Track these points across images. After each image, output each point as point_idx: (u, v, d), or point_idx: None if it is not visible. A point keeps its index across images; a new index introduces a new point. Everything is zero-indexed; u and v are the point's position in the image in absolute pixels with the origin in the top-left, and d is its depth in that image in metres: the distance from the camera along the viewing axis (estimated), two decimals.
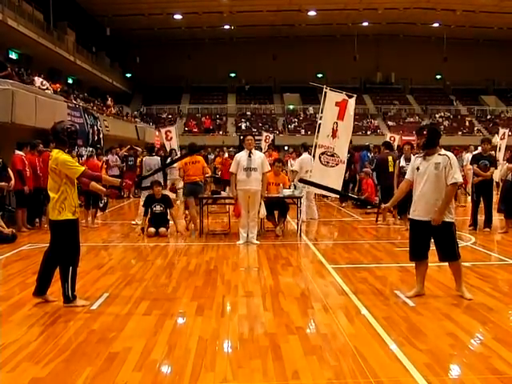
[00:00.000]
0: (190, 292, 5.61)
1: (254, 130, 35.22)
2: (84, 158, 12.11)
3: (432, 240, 5.38)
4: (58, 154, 4.93)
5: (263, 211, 8.87)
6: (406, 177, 5.55)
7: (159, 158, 11.65)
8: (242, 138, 8.90)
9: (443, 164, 5.12)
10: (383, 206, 5.57)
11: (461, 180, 5.22)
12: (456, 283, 5.43)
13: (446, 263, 7.04)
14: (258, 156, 8.61)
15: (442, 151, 5.26)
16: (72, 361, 3.74)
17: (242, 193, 8.49)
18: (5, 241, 8.52)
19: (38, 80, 16.39)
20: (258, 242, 8.57)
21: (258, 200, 8.56)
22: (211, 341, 4.12)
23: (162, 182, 11.21)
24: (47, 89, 15.56)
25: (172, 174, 14.19)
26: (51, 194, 4.97)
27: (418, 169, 5.28)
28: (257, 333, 4.31)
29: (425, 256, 5.39)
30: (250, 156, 8.49)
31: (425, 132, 5.25)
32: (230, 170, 8.74)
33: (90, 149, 12.75)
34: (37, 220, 10.57)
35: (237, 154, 8.88)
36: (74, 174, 4.93)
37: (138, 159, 18.20)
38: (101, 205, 10.93)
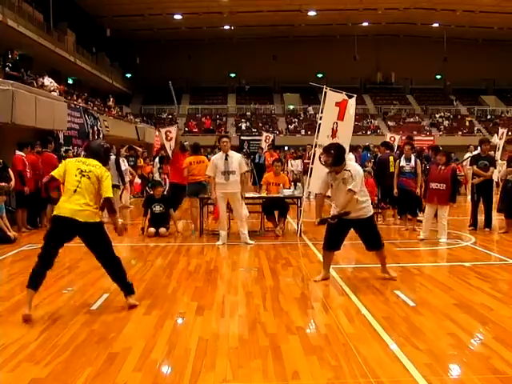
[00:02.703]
0: (190, 292, 5.62)
1: (254, 130, 35.26)
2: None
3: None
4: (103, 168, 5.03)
5: (246, 211, 8.92)
6: (319, 191, 6.08)
7: (114, 158, 11.63)
8: (219, 138, 8.91)
9: (348, 178, 5.65)
10: (316, 222, 5.85)
11: (356, 190, 5.65)
12: (382, 267, 6.06)
13: (445, 263, 7.08)
14: (234, 158, 8.55)
15: (348, 166, 5.76)
16: (72, 361, 3.74)
17: (221, 195, 8.48)
18: (5, 242, 8.53)
19: (47, 80, 16.47)
20: (253, 243, 8.56)
21: (239, 201, 8.56)
22: (211, 341, 4.12)
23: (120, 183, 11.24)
24: (53, 90, 15.54)
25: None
26: (86, 198, 4.80)
27: (331, 185, 5.84)
28: (257, 333, 4.30)
29: (338, 248, 6.03)
30: (226, 159, 8.44)
31: (332, 151, 5.68)
32: (207, 173, 8.67)
33: None
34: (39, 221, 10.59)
35: (213, 157, 8.82)
36: (109, 192, 4.89)
37: (139, 160, 18.27)
38: None
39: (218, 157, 8.61)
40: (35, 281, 4.76)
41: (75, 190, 4.81)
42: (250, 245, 8.46)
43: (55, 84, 16.77)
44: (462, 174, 17.24)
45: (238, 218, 8.58)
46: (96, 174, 4.89)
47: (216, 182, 8.44)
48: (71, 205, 4.79)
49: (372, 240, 5.93)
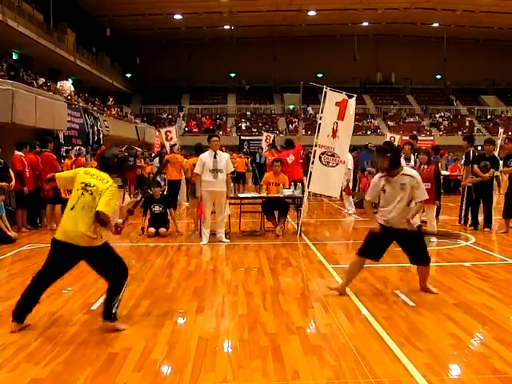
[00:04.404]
0: (190, 292, 5.61)
1: (254, 129, 35.26)
2: (72, 157, 12.03)
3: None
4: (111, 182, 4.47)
5: (228, 210, 9.14)
6: (368, 198, 5.59)
7: None
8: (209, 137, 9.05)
9: (410, 185, 5.21)
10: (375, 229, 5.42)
11: (426, 197, 5.40)
12: (421, 282, 5.55)
13: (445, 263, 7.07)
14: (223, 157, 8.68)
15: (407, 170, 5.34)
16: (72, 361, 3.74)
17: (208, 194, 8.52)
18: (5, 242, 8.53)
19: (62, 83, 16.63)
20: (228, 241, 8.66)
21: (225, 200, 8.69)
22: (211, 341, 4.12)
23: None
24: (68, 94, 15.64)
25: None
26: (84, 217, 4.31)
27: (384, 191, 5.32)
28: (257, 333, 4.30)
29: (377, 257, 5.42)
30: (215, 157, 8.52)
31: (389, 154, 5.25)
32: (195, 171, 8.71)
33: (77, 147, 12.61)
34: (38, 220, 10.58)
35: (201, 155, 8.86)
36: (111, 210, 4.34)
37: (138, 160, 18.26)
38: None
39: (206, 155, 8.66)
40: (21, 312, 4.35)
41: (73, 207, 4.35)
42: (225, 243, 8.56)
43: (70, 87, 16.96)
44: (461, 174, 17.24)
45: (220, 216, 8.66)
46: (99, 189, 4.34)
47: (203, 180, 8.50)
48: (68, 225, 4.35)
49: (418, 254, 5.38)
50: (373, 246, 5.36)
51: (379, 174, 5.43)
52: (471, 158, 9.88)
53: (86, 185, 4.37)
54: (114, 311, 4.43)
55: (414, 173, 5.39)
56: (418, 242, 5.40)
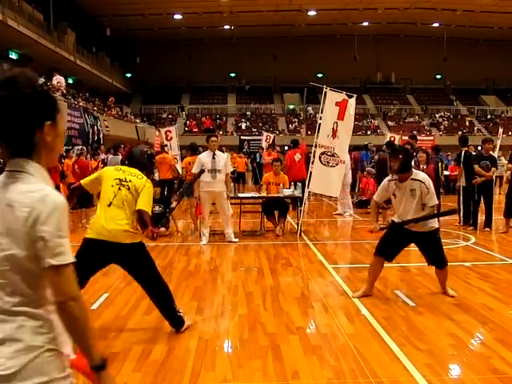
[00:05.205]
0: (190, 292, 5.61)
1: (254, 129, 35.25)
2: (74, 157, 12.03)
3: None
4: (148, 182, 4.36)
5: (230, 211, 9.17)
6: (375, 198, 5.54)
7: (120, 158, 11.91)
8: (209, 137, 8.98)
9: (419, 190, 5.07)
10: (375, 228, 5.40)
11: (436, 202, 5.24)
12: (441, 285, 5.44)
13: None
14: (221, 157, 8.66)
15: (417, 175, 5.21)
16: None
17: (207, 194, 8.51)
18: None
19: (57, 78, 16.59)
20: (237, 240, 8.64)
21: (225, 200, 8.65)
22: (211, 341, 4.12)
23: None
24: (60, 91, 15.61)
25: None
26: (124, 212, 4.13)
27: (394, 195, 5.22)
28: (257, 333, 4.30)
29: (391, 258, 5.34)
30: (213, 158, 8.50)
31: (400, 156, 5.08)
32: (193, 171, 8.68)
33: (79, 147, 12.61)
34: None
35: (200, 155, 8.84)
36: (142, 205, 4.16)
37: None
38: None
39: (205, 155, 8.64)
40: None
41: (110, 204, 4.14)
42: (235, 243, 8.54)
43: (63, 83, 16.96)
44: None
45: (224, 216, 8.65)
46: (136, 184, 4.19)
47: (202, 180, 8.47)
48: (106, 223, 4.11)
49: (435, 256, 5.28)
50: (387, 245, 5.28)
51: (388, 178, 5.34)
52: (462, 158, 9.88)
53: (121, 180, 4.22)
54: (179, 314, 4.34)
55: (424, 177, 5.22)
56: (435, 244, 5.27)
